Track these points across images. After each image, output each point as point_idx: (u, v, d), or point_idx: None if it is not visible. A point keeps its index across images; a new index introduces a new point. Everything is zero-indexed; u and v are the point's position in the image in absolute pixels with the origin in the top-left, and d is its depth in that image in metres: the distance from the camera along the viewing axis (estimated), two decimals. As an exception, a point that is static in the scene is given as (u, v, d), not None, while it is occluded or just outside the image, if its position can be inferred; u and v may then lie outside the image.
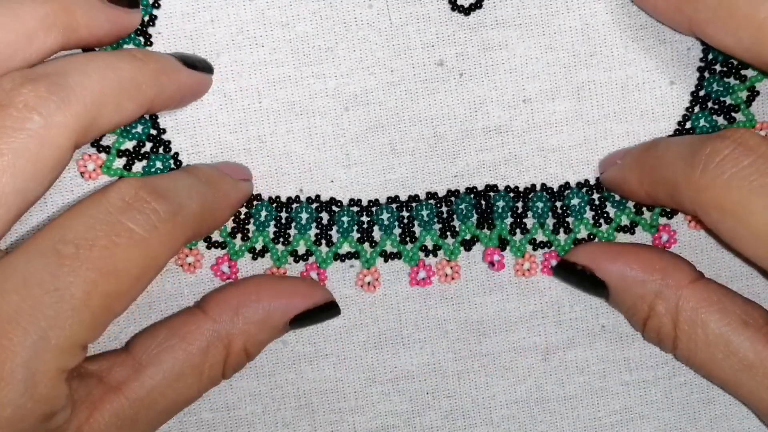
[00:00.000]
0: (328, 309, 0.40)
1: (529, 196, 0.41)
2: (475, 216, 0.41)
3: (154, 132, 0.40)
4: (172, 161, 0.40)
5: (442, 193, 0.41)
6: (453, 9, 0.40)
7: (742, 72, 0.41)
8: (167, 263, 0.37)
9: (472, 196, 0.41)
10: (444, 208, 0.41)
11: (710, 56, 0.41)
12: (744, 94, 0.41)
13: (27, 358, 0.33)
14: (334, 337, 0.42)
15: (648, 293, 0.39)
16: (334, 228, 0.41)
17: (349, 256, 0.41)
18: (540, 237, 0.42)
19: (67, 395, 0.35)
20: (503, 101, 0.41)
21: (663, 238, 0.42)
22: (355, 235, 0.41)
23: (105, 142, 0.40)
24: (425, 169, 0.41)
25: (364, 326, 0.42)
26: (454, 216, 0.41)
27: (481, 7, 0.40)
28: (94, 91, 0.35)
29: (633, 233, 0.42)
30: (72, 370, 0.35)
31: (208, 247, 0.41)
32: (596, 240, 0.42)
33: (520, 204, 0.41)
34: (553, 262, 0.42)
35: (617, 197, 0.41)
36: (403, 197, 0.41)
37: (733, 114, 0.41)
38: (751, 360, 0.37)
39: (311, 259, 0.41)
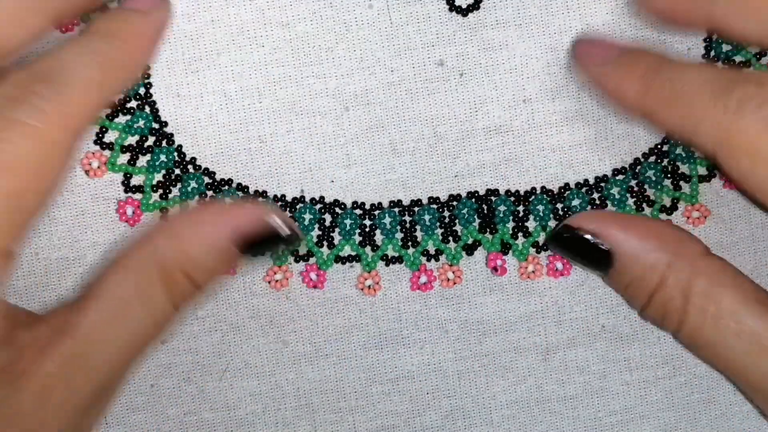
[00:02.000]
0: (278, 238, 0.38)
1: (530, 200, 0.41)
2: (477, 220, 0.41)
3: (156, 126, 0.40)
4: (175, 153, 0.40)
5: (442, 193, 0.41)
6: (451, 10, 0.40)
7: (744, 70, 0.41)
8: (71, 153, 0.35)
9: (473, 200, 0.41)
10: (446, 213, 0.41)
11: (712, 53, 0.41)
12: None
13: None
14: (334, 337, 0.42)
15: (659, 264, 0.37)
16: (336, 230, 0.41)
17: (350, 258, 0.41)
18: (543, 239, 0.42)
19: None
20: (503, 101, 0.41)
21: None
22: (357, 238, 0.41)
23: (108, 138, 0.40)
24: (425, 169, 0.41)
25: (364, 326, 0.42)
26: (456, 220, 0.41)
27: (478, 8, 0.40)
28: (90, 83, 0.34)
29: None
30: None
31: None
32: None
33: (521, 208, 0.41)
34: (558, 265, 0.42)
35: (617, 195, 0.41)
36: (404, 197, 0.41)
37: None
38: (764, 340, 0.36)
39: (312, 260, 0.41)
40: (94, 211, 0.41)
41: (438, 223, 0.41)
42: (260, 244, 0.38)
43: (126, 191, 0.40)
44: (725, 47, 0.41)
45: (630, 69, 0.37)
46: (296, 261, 0.41)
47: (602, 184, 0.42)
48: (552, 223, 0.42)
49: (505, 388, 0.43)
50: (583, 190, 0.42)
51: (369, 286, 0.42)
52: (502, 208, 0.41)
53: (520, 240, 0.42)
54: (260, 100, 0.41)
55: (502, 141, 0.41)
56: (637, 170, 0.41)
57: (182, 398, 0.42)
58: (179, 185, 0.41)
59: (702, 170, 0.41)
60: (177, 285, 0.36)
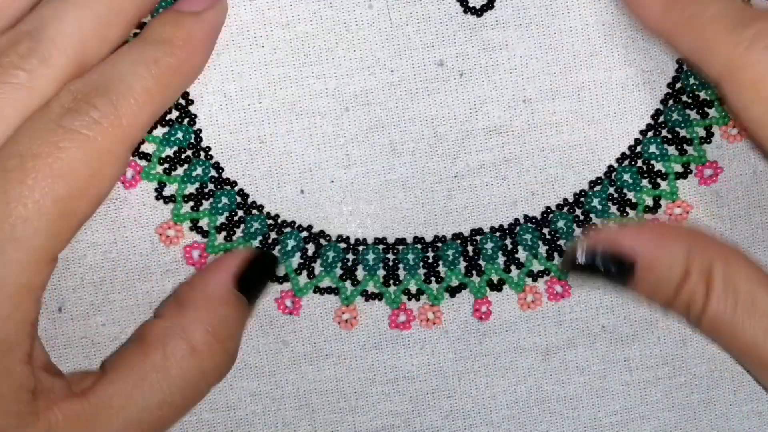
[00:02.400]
0: (264, 263, 0.40)
1: (516, 231, 0.41)
2: (463, 263, 0.41)
3: (182, 101, 0.40)
4: (212, 170, 0.40)
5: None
6: (465, 11, 0.40)
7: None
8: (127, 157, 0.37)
9: (459, 242, 0.41)
10: (430, 253, 0.41)
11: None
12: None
13: None
14: (334, 337, 0.42)
15: (679, 257, 0.38)
16: (318, 261, 0.41)
17: (329, 290, 0.41)
18: (537, 267, 0.42)
19: (32, 333, 0.35)
20: (503, 101, 0.41)
21: None
22: (338, 271, 0.41)
23: (145, 149, 0.40)
24: (425, 169, 0.41)
25: (364, 326, 0.42)
26: (440, 261, 0.41)
27: (492, 7, 0.40)
28: (74, 36, 0.35)
29: None
30: (35, 321, 0.35)
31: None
32: None
33: (508, 241, 0.41)
34: (558, 288, 0.42)
35: (599, 207, 0.41)
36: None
37: (706, 109, 0.41)
38: None
39: (287, 285, 0.41)
40: (94, 211, 0.41)
41: (422, 263, 0.41)
42: (254, 277, 0.39)
43: (158, 198, 0.41)
44: None
45: None
46: (271, 281, 0.41)
47: (582, 200, 0.42)
48: (542, 250, 0.41)
49: (505, 388, 0.43)
50: (565, 209, 0.42)
51: (346, 320, 0.42)
52: (489, 245, 0.41)
53: (514, 272, 0.42)
54: (260, 101, 0.41)
55: (502, 141, 0.41)
56: (613, 177, 0.42)
57: (182, 398, 0.42)
58: (242, 227, 0.41)
59: (677, 167, 0.41)
60: (205, 350, 0.37)
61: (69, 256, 0.40)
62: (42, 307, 0.40)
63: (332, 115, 0.41)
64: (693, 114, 0.41)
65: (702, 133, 0.41)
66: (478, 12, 0.40)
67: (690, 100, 0.41)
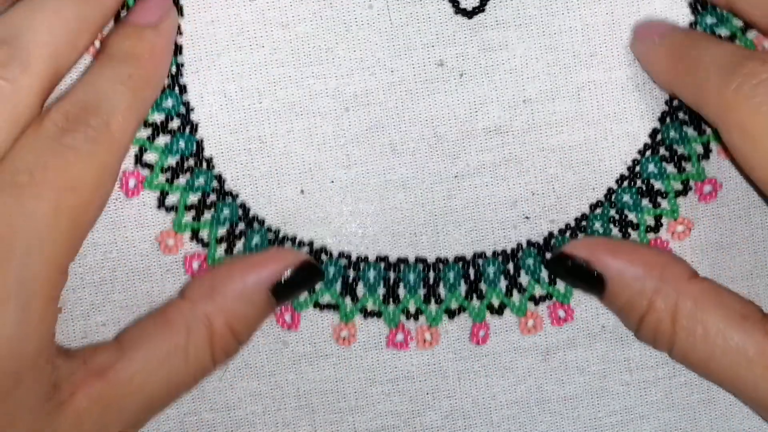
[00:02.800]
0: (307, 272, 0.40)
1: (518, 256, 0.42)
2: (464, 286, 0.41)
3: (183, 110, 0.40)
4: (215, 180, 0.40)
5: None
6: (456, 12, 0.40)
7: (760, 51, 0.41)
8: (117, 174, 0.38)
9: (460, 264, 0.41)
10: (431, 274, 0.42)
11: (697, 28, 0.41)
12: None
13: (17, 279, 0.35)
14: (334, 338, 0.42)
15: (647, 289, 0.39)
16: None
17: (329, 306, 0.42)
18: (539, 291, 0.42)
19: (53, 340, 0.36)
20: (503, 101, 0.41)
21: None
22: (338, 287, 0.41)
23: (148, 159, 0.40)
24: (425, 169, 0.41)
25: (364, 326, 0.42)
26: (440, 282, 0.42)
27: (483, 10, 0.40)
28: (48, 45, 0.36)
29: None
30: (56, 351, 0.36)
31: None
32: None
33: (510, 265, 0.42)
34: (560, 312, 0.42)
35: (601, 230, 0.41)
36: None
37: (703, 126, 0.41)
38: (750, 353, 0.37)
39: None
40: (94, 212, 0.41)
41: (422, 283, 0.41)
42: (293, 287, 0.40)
43: (159, 207, 0.41)
44: (710, 20, 0.40)
45: (664, 49, 0.39)
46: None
47: (584, 223, 0.42)
48: (544, 275, 0.42)
49: (505, 388, 0.43)
50: (567, 233, 0.42)
51: (344, 338, 0.42)
52: (491, 269, 0.41)
53: (516, 296, 0.42)
54: (260, 101, 0.41)
55: (502, 141, 0.41)
56: (612, 199, 0.42)
57: (182, 398, 0.42)
58: (243, 240, 0.41)
59: (677, 185, 0.42)
60: (222, 341, 0.39)
61: (69, 256, 0.41)
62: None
63: (332, 116, 0.41)
64: (690, 131, 0.41)
65: (700, 150, 0.41)
66: (470, 14, 0.40)
67: (687, 117, 0.41)
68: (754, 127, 0.36)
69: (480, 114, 0.41)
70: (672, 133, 0.41)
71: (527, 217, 0.42)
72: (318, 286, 0.41)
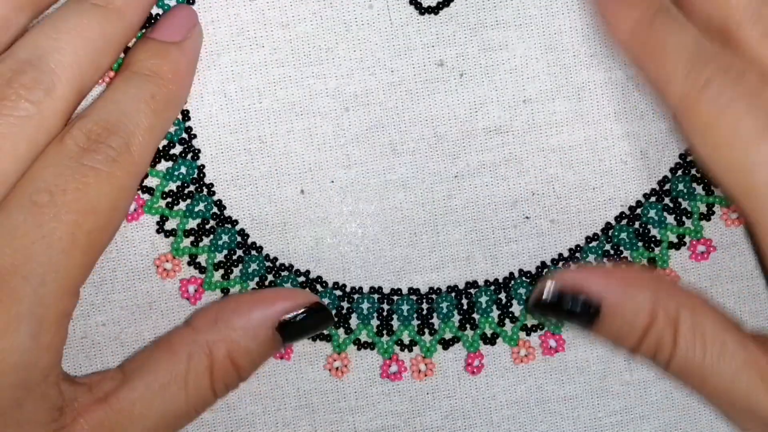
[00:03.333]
0: (316, 314, 0.40)
1: (510, 285, 0.42)
2: (457, 316, 0.41)
3: (185, 135, 0.40)
4: (214, 207, 0.40)
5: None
6: (421, 13, 0.40)
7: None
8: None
9: (453, 295, 0.41)
10: (425, 305, 0.41)
11: None
12: None
13: (30, 303, 0.34)
14: (335, 337, 0.42)
15: (646, 303, 0.38)
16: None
17: (322, 337, 0.41)
18: (531, 321, 0.42)
19: (60, 364, 0.36)
20: (503, 101, 0.41)
21: None
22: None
23: (148, 183, 0.40)
24: (425, 169, 0.41)
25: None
26: (434, 314, 0.41)
27: (448, 5, 0.40)
28: (73, 66, 0.36)
29: None
30: (61, 377, 0.37)
31: None
32: None
33: (503, 295, 0.42)
34: (552, 342, 0.42)
35: (593, 263, 0.41)
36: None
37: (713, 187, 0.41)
38: (745, 359, 0.38)
39: None
40: (94, 212, 0.41)
41: (415, 315, 0.41)
42: (300, 328, 0.39)
43: (160, 232, 0.41)
44: None
45: (630, 7, 0.39)
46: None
47: (577, 255, 0.42)
48: None
49: (505, 388, 0.43)
50: (560, 264, 0.42)
51: (337, 368, 0.42)
52: (483, 299, 0.41)
53: (508, 326, 0.42)
54: (260, 101, 0.41)
55: (502, 141, 0.41)
56: (610, 234, 0.42)
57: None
58: (240, 266, 0.41)
59: (672, 236, 0.42)
60: (221, 372, 0.38)
61: (69, 256, 0.41)
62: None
63: (332, 116, 0.41)
64: (698, 189, 0.41)
65: (703, 209, 0.41)
66: (435, 10, 0.40)
67: (698, 174, 0.41)
68: (717, 132, 0.36)
69: (480, 114, 0.41)
70: (680, 186, 0.41)
71: (527, 217, 0.42)
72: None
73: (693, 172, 0.41)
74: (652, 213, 0.41)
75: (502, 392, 0.43)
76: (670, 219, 0.42)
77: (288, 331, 0.39)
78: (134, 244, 0.41)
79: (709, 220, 0.42)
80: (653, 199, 0.41)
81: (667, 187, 0.41)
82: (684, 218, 0.41)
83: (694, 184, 0.41)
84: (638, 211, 0.42)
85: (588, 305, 0.39)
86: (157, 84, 0.37)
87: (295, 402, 0.42)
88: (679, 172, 0.41)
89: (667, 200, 0.41)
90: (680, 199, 0.41)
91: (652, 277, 0.40)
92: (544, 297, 0.39)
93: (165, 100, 0.37)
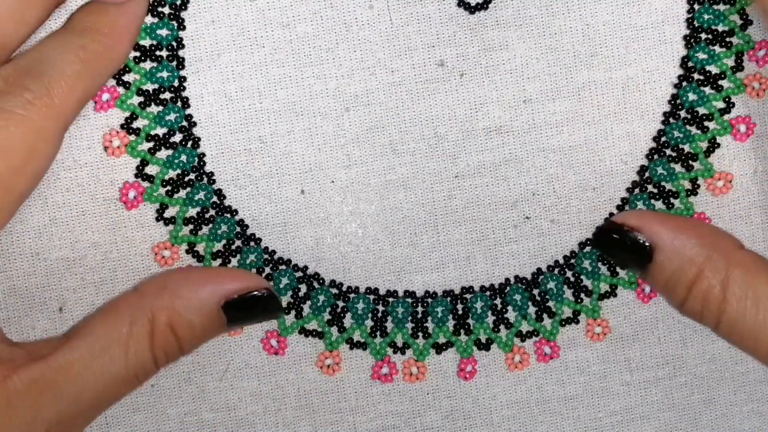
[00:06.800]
0: (264, 300, 0.39)
1: (506, 291, 0.42)
2: (452, 321, 0.41)
3: (185, 124, 0.40)
4: (196, 159, 0.40)
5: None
6: (459, 5, 0.40)
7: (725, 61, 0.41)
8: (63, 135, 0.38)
9: (449, 299, 0.41)
10: (420, 308, 0.42)
11: (695, 23, 0.41)
12: (730, 61, 0.41)
13: None
14: (335, 337, 0.42)
15: (698, 256, 0.38)
16: (308, 303, 0.41)
17: (314, 333, 0.41)
18: (526, 327, 0.42)
19: None
20: (504, 102, 0.41)
21: (646, 290, 0.42)
22: (326, 315, 0.41)
23: (149, 170, 0.40)
24: (426, 169, 0.41)
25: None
26: (429, 317, 0.42)
27: (486, 8, 0.40)
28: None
29: (615, 296, 0.42)
30: None
31: None
32: (582, 315, 0.42)
33: (498, 301, 0.42)
34: (546, 349, 0.42)
35: (589, 268, 0.41)
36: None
37: (720, 82, 0.41)
38: None
39: (273, 324, 0.41)
40: (94, 212, 0.41)
41: (410, 318, 0.41)
42: (245, 311, 0.39)
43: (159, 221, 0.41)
44: (707, 16, 0.40)
45: None
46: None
47: (572, 261, 0.42)
48: (531, 311, 0.42)
49: (505, 388, 0.43)
50: (556, 270, 0.42)
51: (328, 366, 0.42)
52: (478, 305, 0.41)
53: (503, 332, 0.42)
54: (260, 101, 0.41)
55: (502, 141, 0.41)
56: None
57: (183, 398, 0.42)
58: (239, 257, 0.41)
59: (687, 184, 0.42)
60: (162, 339, 0.38)
61: (69, 256, 0.41)
62: (42, 307, 0.40)
63: (333, 116, 0.41)
64: (694, 129, 0.41)
65: (705, 146, 0.41)
66: (472, 9, 0.40)
67: (689, 116, 0.41)
68: None
69: (480, 114, 0.41)
70: (676, 134, 0.41)
71: (527, 217, 0.42)
72: (306, 312, 0.41)
73: (668, 152, 0.42)
74: (659, 169, 0.41)
75: (503, 392, 0.43)
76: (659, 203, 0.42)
77: (233, 312, 0.39)
78: (134, 244, 0.41)
79: (696, 194, 0.42)
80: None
81: (647, 175, 0.42)
82: (690, 161, 0.41)
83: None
84: (646, 174, 0.42)
85: (643, 245, 0.39)
86: (91, 37, 0.37)
87: (295, 402, 0.42)
88: (656, 156, 0.41)
89: (650, 187, 0.42)
90: (663, 183, 0.41)
91: (712, 232, 0.39)
92: (600, 229, 0.40)
93: (96, 53, 0.37)
